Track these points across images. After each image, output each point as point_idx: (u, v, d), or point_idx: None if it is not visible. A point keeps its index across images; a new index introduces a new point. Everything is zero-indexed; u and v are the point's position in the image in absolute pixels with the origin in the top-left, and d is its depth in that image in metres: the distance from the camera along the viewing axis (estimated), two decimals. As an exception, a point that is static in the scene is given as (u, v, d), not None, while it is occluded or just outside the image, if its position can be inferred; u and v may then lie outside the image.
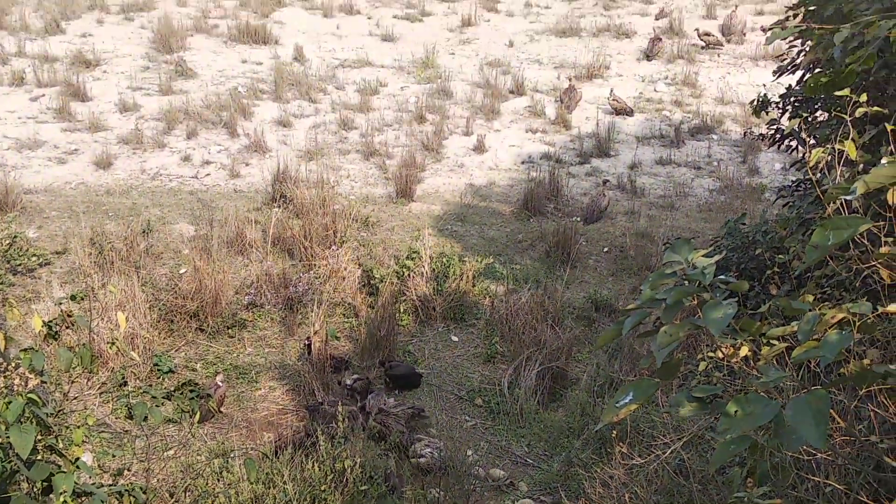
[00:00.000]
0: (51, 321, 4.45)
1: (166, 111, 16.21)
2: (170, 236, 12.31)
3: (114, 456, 7.86)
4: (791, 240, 6.95)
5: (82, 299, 9.53)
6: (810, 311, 2.42)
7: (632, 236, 12.73)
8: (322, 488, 6.83)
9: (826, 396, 2.16)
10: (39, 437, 3.68)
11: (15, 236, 11.44)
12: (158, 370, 9.54)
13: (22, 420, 3.59)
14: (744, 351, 3.02)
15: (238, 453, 7.51)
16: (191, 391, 8.96)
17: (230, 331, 10.48)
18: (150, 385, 8.94)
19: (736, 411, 2.22)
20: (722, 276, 2.53)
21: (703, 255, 2.61)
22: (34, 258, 11.31)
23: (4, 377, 3.68)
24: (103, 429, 8.33)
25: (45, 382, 3.90)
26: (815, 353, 2.28)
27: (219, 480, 6.66)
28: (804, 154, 8.34)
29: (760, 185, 14.38)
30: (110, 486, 4.19)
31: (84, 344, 4.29)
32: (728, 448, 2.30)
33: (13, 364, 3.77)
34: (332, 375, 9.69)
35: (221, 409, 9.13)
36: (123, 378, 9.15)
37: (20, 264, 11.15)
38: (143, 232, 11.83)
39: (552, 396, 9.60)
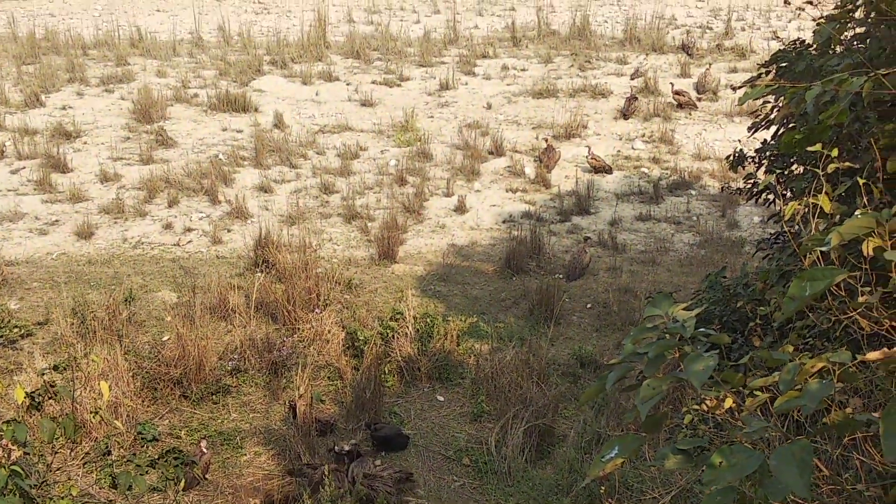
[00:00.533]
0: (33, 392, 4.43)
1: (147, 180, 16.25)
2: (152, 304, 12.28)
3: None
4: (771, 292, 7.00)
5: (65, 369, 9.50)
6: (791, 361, 2.45)
7: (614, 292, 12.78)
8: (310, 554, 6.76)
9: (809, 446, 2.18)
10: (23, 509, 3.63)
11: (-4, 308, 11.39)
12: (142, 438, 9.41)
13: (5, 492, 3.55)
14: (728, 403, 3.04)
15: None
16: (175, 458, 8.86)
17: (214, 397, 10.41)
18: (134, 454, 8.83)
19: (721, 462, 2.23)
20: (703, 329, 2.56)
21: (683, 309, 2.64)
22: (15, 329, 11.25)
23: (-13, 448, 3.65)
24: (87, 499, 8.20)
25: (28, 454, 3.86)
26: (797, 403, 2.30)
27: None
28: (781, 207, 8.44)
29: (740, 239, 14.51)
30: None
31: (67, 414, 4.27)
32: (714, 499, 2.31)
33: (-4, 435, 3.74)
34: (318, 439, 9.63)
35: (207, 475, 9.04)
36: (107, 447, 9.03)
37: (1, 336, 11.09)
38: (126, 300, 11.80)
39: (540, 454, 9.56)
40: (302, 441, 9.44)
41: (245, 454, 9.57)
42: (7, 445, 3.77)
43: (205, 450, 9.06)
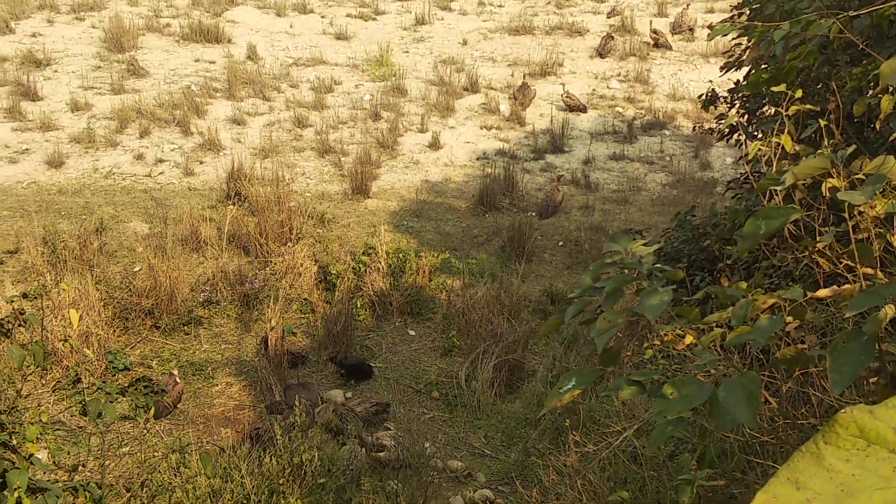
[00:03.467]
0: (2, 319, 4.44)
1: (118, 110, 16.06)
2: (123, 234, 12.24)
3: (69, 453, 7.81)
4: (739, 231, 7.09)
5: (35, 297, 9.48)
6: (743, 297, 2.51)
7: (586, 230, 12.87)
8: (280, 482, 6.85)
9: (757, 378, 2.25)
10: (-7, 434, 3.68)
11: (-35, 236, 11.32)
12: (113, 368, 9.47)
13: (-25, 416, 3.59)
14: (688, 339, 3.12)
15: (195, 449, 7.50)
16: (145, 387, 8.92)
17: (186, 328, 10.45)
18: (105, 382, 8.89)
19: (672, 393, 2.30)
20: (659, 265, 2.61)
21: (642, 245, 2.69)
22: (-15, 258, 11.20)
23: (-43, 374, 3.68)
24: (58, 426, 8.28)
25: (-2, 379, 3.89)
26: (748, 338, 2.36)
27: (175, 475, 6.66)
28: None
29: (712, 180, 14.59)
30: (65, 482, 4.20)
31: (37, 342, 4.29)
32: (665, 429, 2.38)
33: (-35, 361, 3.76)
34: (289, 371, 9.71)
35: (179, 404, 9.12)
36: (77, 375, 9.08)
37: (-29, 264, 11.04)
38: (97, 230, 11.75)
39: (509, 388, 9.70)
40: (273, 373, 9.51)
41: (217, 385, 9.65)
42: (-23, 372, 3.79)
43: (178, 380, 9.13)
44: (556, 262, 12.38)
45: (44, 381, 8.46)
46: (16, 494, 3.60)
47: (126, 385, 8.79)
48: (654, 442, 2.54)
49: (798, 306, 2.46)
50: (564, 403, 2.58)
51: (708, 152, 15.52)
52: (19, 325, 4.47)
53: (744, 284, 2.67)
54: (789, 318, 2.52)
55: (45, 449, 7.60)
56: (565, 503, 6.06)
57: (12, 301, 4.80)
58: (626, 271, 2.58)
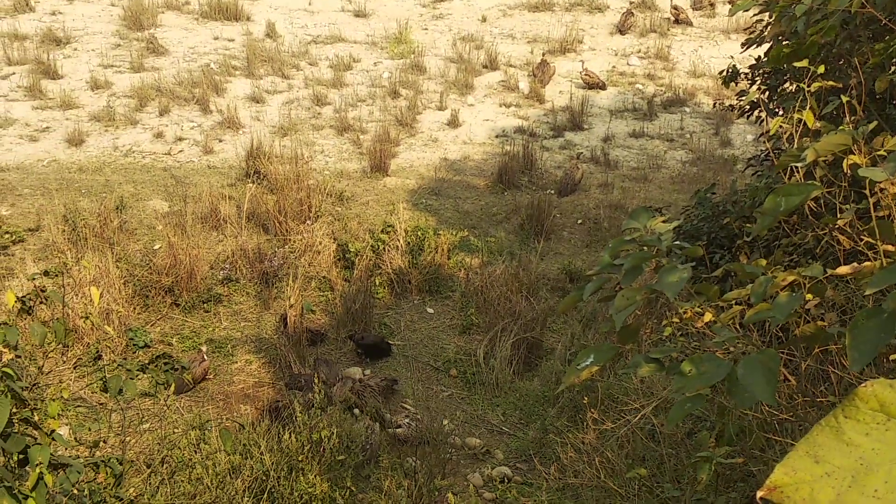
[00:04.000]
0: (24, 297, 4.47)
1: (138, 88, 16.09)
2: (143, 212, 12.29)
3: (90, 429, 7.89)
4: (759, 209, 7.04)
5: (56, 275, 9.54)
6: (763, 274, 2.49)
7: (605, 208, 12.82)
8: (299, 458, 6.90)
9: (776, 356, 2.23)
10: (14, 411, 3.71)
11: (-13, 214, 11.40)
12: (134, 345, 9.56)
13: (-3, 393, 3.62)
14: (707, 316, 3.10)
15: (215, 425, 7.55)
16: (165, 363, 8.97)
17: (206, 305, 10.50)
18: (125, 359, 8.94)
19: (690, 370, 2.29)
20: (678, 243, 2.59)
21: (661, 222, 2.67)
22: (7, 235, 11.26)
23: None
24: (79, 403, 8.35)
25: (20, 357, 3.92)
26: (767, 315, 2.35)
27: (196, 452, 6.72)
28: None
29: (732, 157, 14.50)
30: (86, 458, 4.24)
31: (58, 319, 4.32)
32: (683, 406, 2.37)
33: (-14, 340, 3.79)
34: (308, 348, 9.76)
35: (206, 378, 9.19)
36: (98, 353, 9.17)
37: (-7, 242, 11.12)
38: (117, 208, 11.80)
39: (527, 366, 9.71)
40: (292, 350, 9.56)
41: (236, 362, 9.70)
42: (-2, 348, 3.82)
43: (205, 356, 9.20)
44: (575, 240, 12.35)
45: (65, 358, 8.53)
46: (38, 470, 3.64)
47: (146, 362, 8.88)
48: (672, 419, 2.53)
49: (818, 283, 2.44)
50: (582, 380, 2.57)
51: (728, 129, 15.41)
52: (41, 303, 4.50)
53: (763, 262, 2.65)
54: (809, 296, 2.49)
55: (67, 425, 7.69)
56: (583, 480, 6.08)
57: (34, 279, 4.83)
58: (645, 249, 2.56)
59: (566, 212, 12.93)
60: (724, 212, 7.88)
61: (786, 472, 1.41)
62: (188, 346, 9.76)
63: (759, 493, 1.42)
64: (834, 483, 1.39)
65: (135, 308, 10.21)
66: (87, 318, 7.55)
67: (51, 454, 3.75)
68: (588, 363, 2.54)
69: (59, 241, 10.88)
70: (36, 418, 3.99)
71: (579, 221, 12.75)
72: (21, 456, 3.71)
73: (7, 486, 3.56)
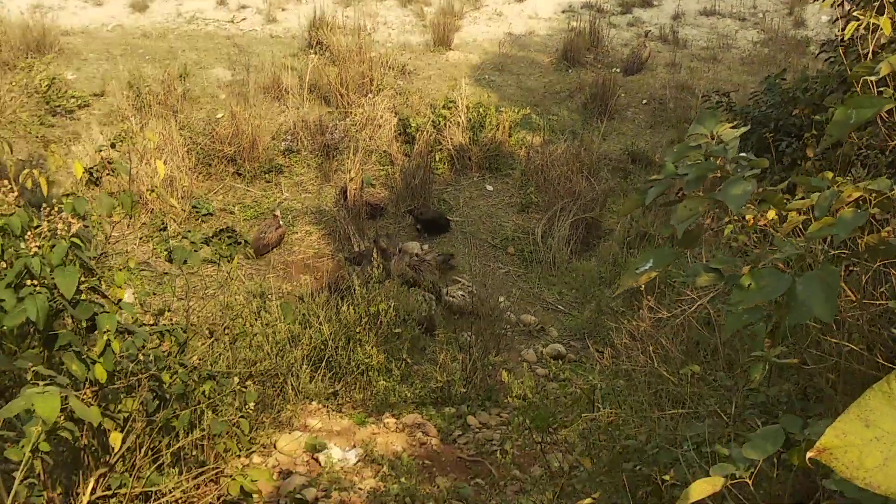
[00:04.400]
0: (92, 168, 4.54)
1: (202, -49, 15.90)
2: (206, 81, 12.31)
3: (154, 294, 8.12)
4: (830, 98, 6.84)
5: (121, 142, 9.67)
6: (828, 188, 2.42)
7: (672, 88, 12.55)
8: (357, 330, 7.04)
9: (836, 272, 2.19)
10: (83, 279, 3.81)
11: (53, 78, 11.49)
12: (197, 213, 9.72)
13: (66, 262, 3.71)
14: (771, 214, 3.04)
15: (275, 295, 7.71)
16: (228, 237, 9.14)
17: (267, 176, 10.60)
18: (189, 231, 9.11)
19: (749, 284, 2.26)
20: (743, 154, 2.52)
21: (729, 128, 2.60)
22: (73, 100, 11.38)
23: (48, 221, 3.78)
24: (144, 268, 8.56)
25: (87, 226, 4.00)
26: (830, 231, 2.29)
27: (256, 320, 6.88)
28: (850, 8, 8.09)
29: (805, 38, 14.02)
30: (152, 325, 4.37)
31: (125, 191, 4.38)
32: (740, 318, 2.35)
33: (56, 209, 3.86)
34: (367, 221, 9.84)
35: (283, 243, 9.42)
36: (163, 223, 9.35)
37: (59, 105, 11.24)
38: (181, 76, 11.83)
39: (585, 246, 9.69)
40: (352, 223, 9.65)
41: (297, 233, 9.83)
42: (67, 218, 3.89)
43: (280, 222, 9.38)
44: (639, 120, 12.15)
45: (131, 228, 8.70)
46: (105, 337, 3.75)
47: (210, 234, 9.05)
48: (728, 328, 2.52)
49: (885, 199, 2.38)
50: (640, 284, 2.56)
51: (803, 9, 14.86)
52: (108, 174, 4.57)
53: (829, 174, 2.57)
54: (875, 210, 2.43)
55: (132, 290, 7.92)
56: (636, 365, 6.12)
57: (101, 150, 4.89)
58: (710, 158, 2.50)
59: (631, 91, 12.69)
60: (794, 98, 7.66)
61: (836, 434, 1.43)
62: (249, 216, 9.90)
63: (809, 454, 1.44)
64: (882, 448, 1.41)
65: (198, 176, 10.33)
66: (152, 191, 7.66)
67: (117, 321, 3.86)
68: (647, 268, 2.52)
69: (124, 108, 10.97)
70: (103, 287, 4.09)
71: (644, 101, 12.51)
72: (89, 323, 3.83)
73: (76, 350, 3.69)
